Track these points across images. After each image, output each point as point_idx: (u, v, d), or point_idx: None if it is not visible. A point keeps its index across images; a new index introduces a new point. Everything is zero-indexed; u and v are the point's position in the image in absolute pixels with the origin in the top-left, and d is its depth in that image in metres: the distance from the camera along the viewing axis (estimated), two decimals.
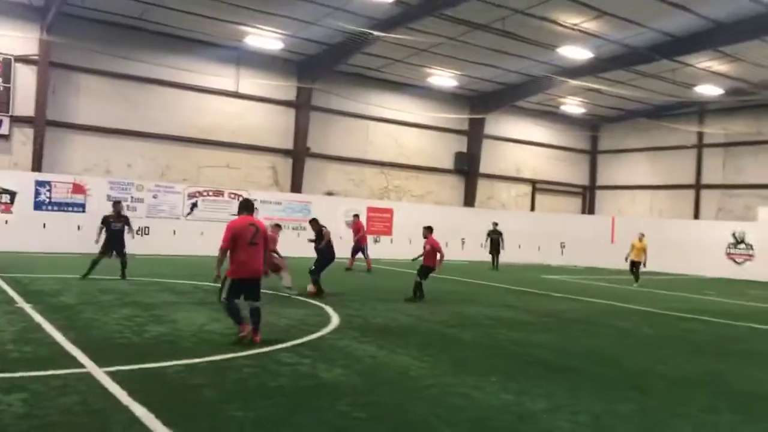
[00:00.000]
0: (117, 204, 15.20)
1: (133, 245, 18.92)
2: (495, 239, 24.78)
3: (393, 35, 22.03)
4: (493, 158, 33.07)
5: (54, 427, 4.82)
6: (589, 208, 36.72)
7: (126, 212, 16.06)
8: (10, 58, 21.17)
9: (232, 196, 24.41)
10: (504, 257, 25.22)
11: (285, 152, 26.97)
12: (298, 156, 26.93)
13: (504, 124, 33.14)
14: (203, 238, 22.87)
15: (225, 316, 8.46)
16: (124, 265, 14.29)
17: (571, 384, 7.03)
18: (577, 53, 23.50)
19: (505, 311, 12.75)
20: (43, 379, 6.04)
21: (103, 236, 14.29)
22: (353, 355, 7.91)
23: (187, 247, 21.74)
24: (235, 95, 25.66)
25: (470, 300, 14.35)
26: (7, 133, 21.32)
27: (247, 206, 8.37)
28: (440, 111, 30.57)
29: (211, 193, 24.08)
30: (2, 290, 11.54)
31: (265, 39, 23.82)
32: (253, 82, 25.80)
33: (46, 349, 7.30)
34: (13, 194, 20.40)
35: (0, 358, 6.75)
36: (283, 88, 26.56)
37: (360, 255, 20.91)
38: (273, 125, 26.69)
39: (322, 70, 26.32)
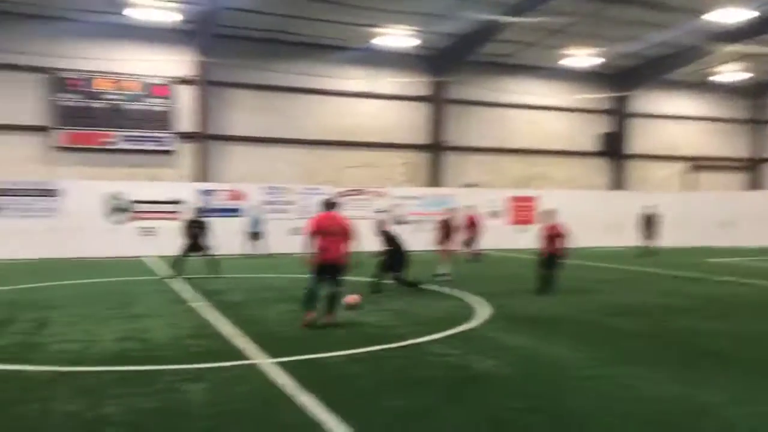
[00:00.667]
0: (197, 210, 16.56)
1: (286, 244, 20.29)
2: (650, 222, 23.35)
3: (526, 19, 21.51)
4: (643, 137, 31.21)
5: (233, 414, 5.30)
6: (755, 183, 33.54)
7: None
8: (173, 81, 23.27)
9: (374, 194, 25.10)
10: (661, 241, 23.73)
11: (422, 147, 27.27)
12: (436, 150, 27.11)
13: (652, 100, 31.15)
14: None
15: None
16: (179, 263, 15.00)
17: (750, 375, 6.53)
18: (731, 15, 21.57)
19: (666, 298, 12.05)
20: (219, 370, 6.64)
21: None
22: (504, 346, 7.89)
23: None
24: (372, 96, 26.33)
25: (627, 287, 13.71)
26: (173, 148, 23.47)
27: (329, 205, 9.47)
28: (580, 92, 29.38)
29: (353, 193, 24.93)
30: (179, 291, 12.75)
31: (398, 37, 24.23)
32: (388, 81, 26.34)
33: (219, 343, 7.99)
34: (181, 204, 22.39)
35: (183, 352, 7.50)
36: (418, 84, 26.87)
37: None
38: (409, 122, 27.09)
39: (454, 62, 26.30)
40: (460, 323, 9.26)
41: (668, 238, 24.98)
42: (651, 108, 31.28)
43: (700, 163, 32.54)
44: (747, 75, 30.28)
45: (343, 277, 9.27)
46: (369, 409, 5.43)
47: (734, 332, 8.75)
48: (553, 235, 12.62)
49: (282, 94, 25.04)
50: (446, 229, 15.92)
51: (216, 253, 15.38)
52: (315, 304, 9.02)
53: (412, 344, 7.86)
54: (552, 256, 12.65)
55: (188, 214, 16.44)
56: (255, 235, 21.35)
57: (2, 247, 19.77)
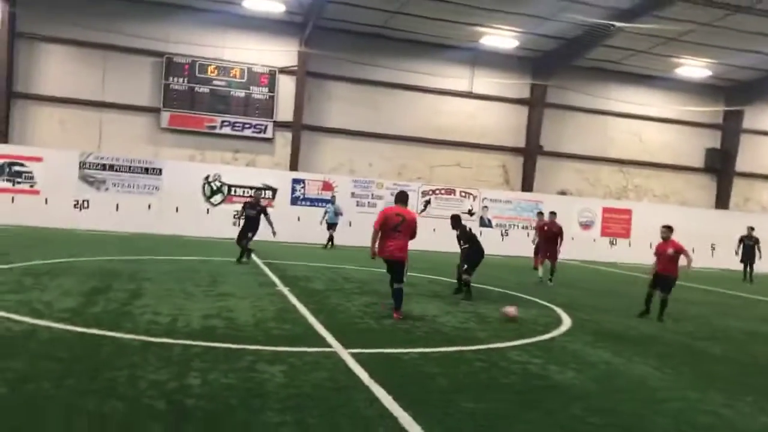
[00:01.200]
0: (257, 193, 16.92)
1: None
2: (749, 245, 21.87)
3: (638, 25, 20.67)
4: (753, 155, 29.34)
5: (307, 398, 5.39)
6: None
7: (263, 203, 16.68)
8: (275, 70, 23.99)
9: (463, 194, 24.92)
10: (761, 267, 22.24)
11: (516, 150, 26.80)
12: (530, 154, 26.56)
13: (766, 116, 29.21)
14: (435, 234, 23.68)
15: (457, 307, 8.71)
16: (244, 249, 14.88)
17: None
18: None
19: (762, 326, 11.30)
20: (298, 355, 6.78)
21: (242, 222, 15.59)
22: (586, 359, 7.63)
23: (421, 243, 22.58)
24: (470, 95, 26.11)
25: (721, 312, 12.97)
26: (271, 136, 24.20)
27: (400, 198, 9.53)
28: (689, 103, 27.95)
29: (443, 192, 24.83)
30: (265, 275, 13.15)
31: (501, 38, 23.91)
32: (487, 82, 26.03)
33: (300, 328, 8.17)
34: (274, 191, 23.10)
35: (265, 334, 7.72)
36: (517, 86, 26.41)
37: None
38: (505, 124, 26.68)
39: (557, 65, 25.67)
40: (543, 332, 9.04)
41: None
42: (764, 125, 29.35)
43: None
44: None
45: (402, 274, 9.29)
46: (442, 408, 5.39)
47: None
48: (671, 253, 11.07)
49: (380, 89, 25.26)
50: (546, 235, 15.74)
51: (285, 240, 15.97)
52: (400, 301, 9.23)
53: (491, 348, 7.74)
54: (668, 276, 11.13)
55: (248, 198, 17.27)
56: (331, 226, 21.47)
57: (106, 219, 21.09)
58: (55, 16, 21.83)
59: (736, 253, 22.26)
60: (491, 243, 24.20)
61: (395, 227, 9.14)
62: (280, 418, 4.86)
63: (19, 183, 21.00)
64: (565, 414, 5.48)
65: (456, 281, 12.32)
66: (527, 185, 26.56)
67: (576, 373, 6.90)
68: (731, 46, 23.21)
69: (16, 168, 20.96)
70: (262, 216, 14.98)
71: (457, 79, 25.83)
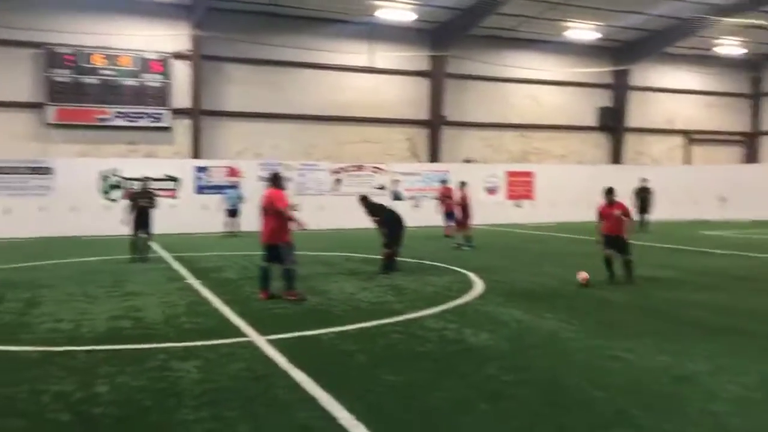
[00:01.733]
0: (144, 181, 15.09)
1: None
2: (644, 197, 23.17)
3: None
4: (641, 111, 31.00)
5: (225, 391, 5.27)
6: (751, 156, 33.41)
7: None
8: (167, 56, 22.98)
9: (374, 170, 25.00)
10: (655, 215, 23.65)
11: (421, 123, 27.07)
12: (435, 125, 26.91)
13: (652, 74, 30.88)
14: (349, 211, 23.68)
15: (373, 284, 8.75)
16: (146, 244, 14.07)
17: (736, 344, 6.55)
18: None
19: (659, 271, 12.04)
20: (213, 348, 6.62)
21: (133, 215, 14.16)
22: (499, 319, 7.87)
23: (334, 221, 22.65)
24: (370, 70, 26.02)
25: (620, 260, 13.65)
26: (169, 125, 23.26)
27: (271, 179, 9.56)
28: (581, 65, 29.10)
29: (353, 169, 24.80)
30: (173, 268, 12.72)
31: (397, 11, 23.92)
32: (386, 56, 26.02)
33: (213, 321, 7.97)
34: (177, 181, 22.30)
35: (176, 330, 7.48)
36: (417, 58, 26.58)
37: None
38: (408, 97, 26.85)
39: (454, 36, 26.01)
40: (456, 298, 9.24)
41: (664, 211, 24.91)
42: (650, 81, 31.03)
43: (697, 137, 32.40)
44: (744, 49, 30.00)
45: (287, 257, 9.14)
46: (363, 384, 5.42)
47: (723, 304, 8.74)
48: (617, 214, 10.80)
49: (279, 69, 24.75)
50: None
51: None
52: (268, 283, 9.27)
53: (408, 319, 7.84)
54: (619, 237, 10.82)
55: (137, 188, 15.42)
56: (233, 213, 20.69)
57: None
58: None
59: (634, 205, 23.53)
60: (404, 215, 24.49)
61: (265, 210, 9.18)
62: (197, 414, 4.73)
63: None
64: (481, 375, 5.63)
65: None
66: (434, 156, 26.94)
67: (490, 334, 7.11)
68: (616, 8, 24.26)
69: None
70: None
71: (357, 54, 25.67)
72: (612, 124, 30.14)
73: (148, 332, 7.33)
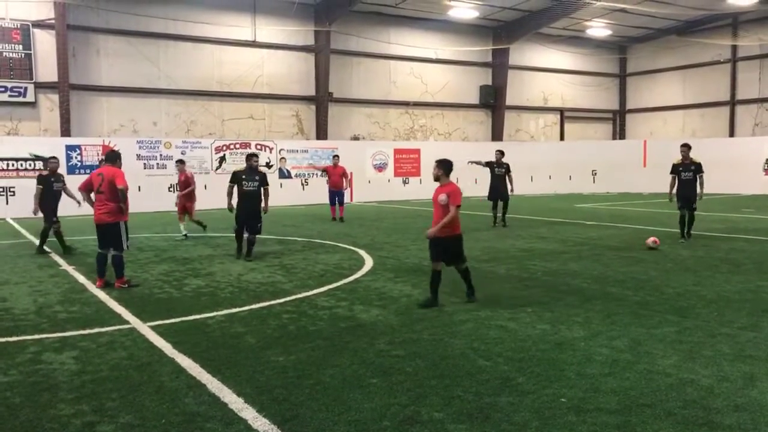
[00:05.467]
0: (53, 160, 12.58)
1: (165, 201, 19.29)
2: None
3: None
4: (519, 89, 32.37)
5: (105, 381, 5.01)
6: (620, 133, 35.92)
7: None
8: (27, 24, 21.16)
9: (259, 147, 24.47)
10: (532, 189, 24.88)
11: (308, 99, 26.76)
12: (321, 102, 26.69)
13: (529, 53, 32.25)
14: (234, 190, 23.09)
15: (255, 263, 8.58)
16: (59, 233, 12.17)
17: (609, 311, 7.03)
18: None
19: (538, 242, 12.70)
20: (91, 337, 6.26)
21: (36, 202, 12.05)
22: (389, 295, 8.00)
23: (219, 201, 21.94)
24: (253, 44, 25.35)
25: (501, 234, 14.31)
26: (33, 99, 21.52)
27: (108, 157, 9.02)
28: (463, 44, 29.85)
29: (238, 146, 24.15)
30: (47, 253, 11.87)
31: None
32: (270, 30, 25.41)
33: (91, 308, 7.53)
34: (45, 160, 20.69)
35: (49, 319, 7.00)
36: (302, 33, 26.15)
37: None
38: (294, 72, 26.42)
39: (338, 11, 25.79)
40: (347, 275, 9.29)
41: (541, 185, 26.32)
42: (527, 60, 32.39)
43: (570, 114, 34.33)
44: (611, 31, 31.99)
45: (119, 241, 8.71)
46: (252, 367, 5.32)
47: (597, 273, 9.37)
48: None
49: (156, 41, 23.53)
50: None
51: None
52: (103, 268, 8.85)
53: (298, 299, 7.79)
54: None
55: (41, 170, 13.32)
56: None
57: None
58: None
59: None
60: (292, 194, 24.27)
61: (98, 189, 8.66)
62: (74, 408, 4.46)
63: None
64: (372, 351, 5.70)
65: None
66: (322, 133, 26.76)
67: (380, 310, 7.21)
68: None
69: None
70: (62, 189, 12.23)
71: (239, 27, 24.88)
72: (492, 102, 31.24)
73: (18, 324, 6.81)
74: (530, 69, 32.67)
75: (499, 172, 16.12)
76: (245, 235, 11.12)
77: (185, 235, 13.95)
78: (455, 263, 7.54)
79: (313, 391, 4.74)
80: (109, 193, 8.57)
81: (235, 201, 11.28)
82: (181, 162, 14.94)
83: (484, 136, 31.46)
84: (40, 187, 11.89)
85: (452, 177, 7.81)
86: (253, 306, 7.48)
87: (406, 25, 28.41)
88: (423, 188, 27.04)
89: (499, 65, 31.20)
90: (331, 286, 8.52)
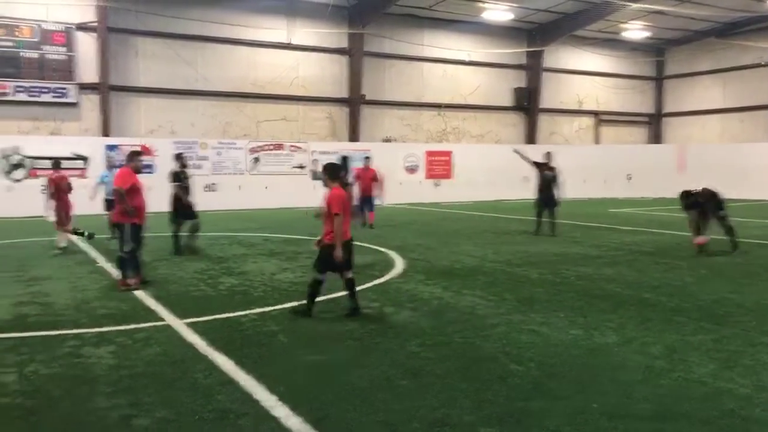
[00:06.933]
0: (180, 157, 12.59)
1: (200, 201, 19.54)
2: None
3: None
4: (554, 92, 32.06)
5: (141, 376, 5.12)
6: (655, 137, 35.31)
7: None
8: (71, 27, 21.71)
9: (293, 149, 24.71)
10: (565, 193, 24.49)
11: (341, 101, 26.92)
12: (354, 104, 26.83)
13: (563, 56, 31.92)
14: (267, 191, 23.43)
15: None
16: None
17: (643, 317, 6.93)
18: None
19: (571, 247, 12.57)
20: (128, 333, 6.40)
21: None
22: (420, 297, 8.01)
23: (253, 201, 22.29)
24: (288, 47, 25.58)
25: (535, 238, 14.18)
26: (75, 100, 22.06)
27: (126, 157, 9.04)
28: (497, 46, 29.70)
29: (271, 147, 24.42)
30: (84, 251, 12.16)
31: None
32: (304, 32, 25.63)
33: (128, 305, 7.69)
34: (86, 160, 21.23)
35: (88, 315, 7.18)
36: (336, 36, 26.31)
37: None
38: (327, 75, 26.59)
39: (372, 13, 25.90)
40: (378, 277, 9.32)
41: (574, 190, 25.91)
42: (562, 63, 32.06)
43: (605, 117, 33.88)
44: (648, 33, 31.47)
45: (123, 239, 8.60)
46: (285, 365, 5.39)
47: (631, 279, 9.22)
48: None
49: (193, 43, 23.92)
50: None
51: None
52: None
53: (328, 299, 7.83)
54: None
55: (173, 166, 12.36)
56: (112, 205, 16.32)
57: None
58: None
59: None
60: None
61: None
62: (112, 402, 4.57)
63: None
64: (403, 352, 5.72)
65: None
66: (354, 135, 26.89)
67: (411, 312, 7.22)
68: None
69: None
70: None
71: (274, 30, 25.15)
72: (526, 105, 31.00)
73: (58, 319, 7.00)
74: (565, 71, 32.33)
75: (548, 175, 14.90)
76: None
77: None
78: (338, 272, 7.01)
79: (343, 391, 4.78)
80: (115, 193, 8.74)
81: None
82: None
83: (518, 139, 31.22)
84: (177, 183, 11.85)
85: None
86: (286, 305, 7.56)
87: (439, 27, 28.38)
88: (454, 191, 27.01)
89: (533, 68, 30.95)
90: (361, 287, 8.53)
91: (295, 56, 25.86)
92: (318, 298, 7.15)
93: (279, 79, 25.52)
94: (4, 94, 20.91)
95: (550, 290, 8.48)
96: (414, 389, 4.80)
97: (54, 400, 4.63)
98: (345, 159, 16.86)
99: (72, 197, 12.34)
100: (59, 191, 11.96)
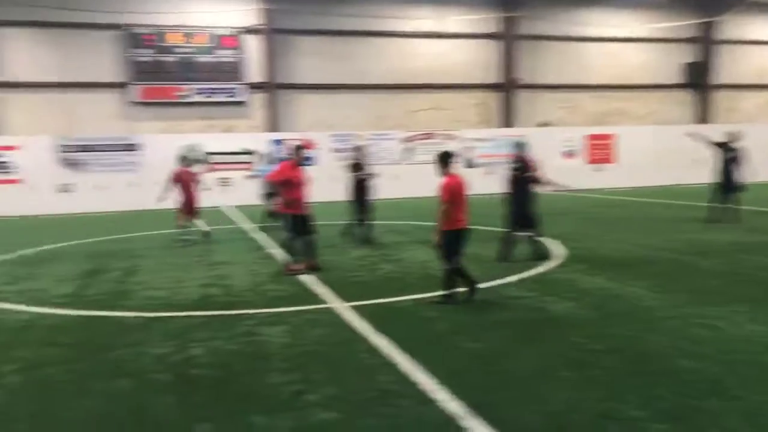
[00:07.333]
0: (359, 147, 12.87)
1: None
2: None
3: None
4: (730, 65, 29.22)
5: (311, 355, 5.47)
6: None
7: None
8: (240, 31, 23.43)
9: (445, 137, 24.81)
10: (747, 177, 22.37)
11: (493, 87, 26.55)
12: (508, 89, 26.34)
13: (741, 25, 28.98)
14: (422, 180, 23.71)
15: None
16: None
17: None
18: None
19: (752, 235, 11.47)
20: (297, 314, 6.85)
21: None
22: (582, 288, 7.75)
23: (408, 190, 22.72)
24: (440, 35, 25.67)
25: (710, 225, 13.11)
26: (244, 99, 23.82)
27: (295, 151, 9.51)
28: (662, 20, 27.65)
29: (424, 137, 24.70)
30: (253, 239, 13.12)
31: None
32: (456, 19, 25.59)
33: (296, 288, 8.22)
34: (253, 154, 22.84)
35: (262, 297, 7.77)
36: (487, 21, 25.97)
37: None
38: (479, 60, 26.34)
39: None
40: (536, 266, 9.13)
41: (762, 172, 23.52)
42: (740, 34, 29.14)
43: None
44: None
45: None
46: (444, 351, 5.48)
47: None
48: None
49: (348, 39, 24.80)
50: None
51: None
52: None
53: (487, 287, 7.82)
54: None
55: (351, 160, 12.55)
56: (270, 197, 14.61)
57: (88, 200, 20.88)
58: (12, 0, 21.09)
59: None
60: (476, 183, 24.24)
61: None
62: (286, 377, 4.94)
63: None
64: (566, 344, 5.58)
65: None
66: (508, 121, 26.43)
67: (572, 302, 7.02)
68: None
69: None
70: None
71: (425, 20, 25.36)
72: (699, 81, 28.59)
73: (236, 299, 7.65)
74: (743, 42, 29.34)
75: (730, 156, 13.59)
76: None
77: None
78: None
79: (503, 379, 4.78)
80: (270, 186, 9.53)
81: None
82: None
83: (687, 119, 28.93)
84: (357, 174, 12.19)
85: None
86: (441, 292, 7.64)
87: (597, 3, 26.98)
88: (617, 176, 25.64)
89: (705, 40, 28.44)
90: (520, 276, 8.44)
91: (447, 44, 25.88)
92: (477, 285, 7.17)
93: (431, 68, 25.70)
94: (185, 96, 23.07)
95: (726, 282, 7.83)
96: (577, 381, 4.69)
97: (235, 373, 5.09)
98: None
99: (198, 190, 13.21)
100: (183, 184, 12.92)
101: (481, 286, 7.43)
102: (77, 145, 21.23)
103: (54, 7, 21.28)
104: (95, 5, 21.79)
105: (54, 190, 20.94)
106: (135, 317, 6.92)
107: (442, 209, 6.91)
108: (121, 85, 22.54)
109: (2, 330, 6.59)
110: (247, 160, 22.40)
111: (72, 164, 21.17)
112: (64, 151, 21.11)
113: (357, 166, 12.35)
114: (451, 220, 6.93)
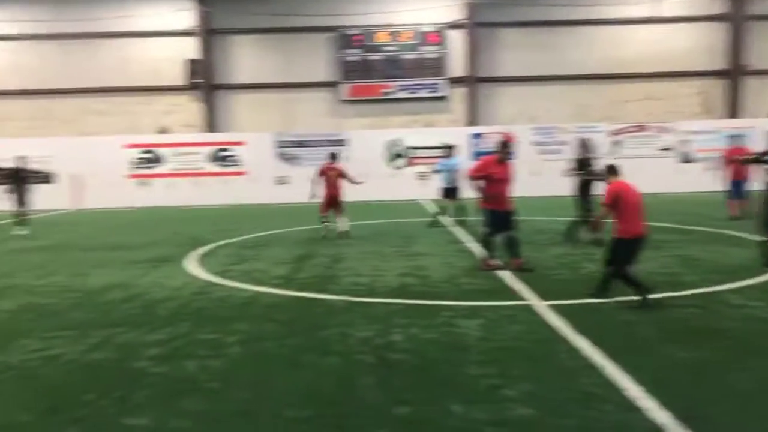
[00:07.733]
0: (585, 142, 11.86)
1: (560, 187, 19.63)
2: None
3: None
4: None
5: (508, 350, 5.44)
6: None
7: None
8: (443, 27, 23.87)
9: (658, 130, 23.08)
10: None
11: (716, 74, 24.12)
12: (734, 76, 23.75)
13: None
14: (633, 176, 22.26)
15: None
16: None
17: None
18: None
19: None
20: (494, 309, 6.84)
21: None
22: None
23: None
24: (655, 20, 23.87)
25: None
26: (445, 94, 24.23)
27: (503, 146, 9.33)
28: None
29: (634, 129, 23.19)
30: (450, 233, 13.31)
31: None
32: (673, 3, 23.60)
33: (492, 282, 8.20)
34: (452, 148, 23.11)
35: (458, 289, 7.87)
36: (709, 1, 23.63)
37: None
38: (700, 45, 24.08)
39: None
40: (763, 273, 8.17)
41: None
42: None
43: None
44: None
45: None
46: (650, 358, 5.14)
47: None
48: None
49: (554, 29, 24.10)
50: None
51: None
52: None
53: (703, 293, 7.18)
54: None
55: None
56: (450, 193, 14.84)
57: (303, 192, 22.62)
58: (240, 10, 23.58)
59: None
60: (696, 179, 22.22)
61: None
62: (483, 370, 4.96)
63: (227, 166, 23.33)
64: None
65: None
66: (733, 111, 23.84)
67: None
68: None
69: (224, 153, 23.31)
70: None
71: (639, 5, 23.72)
72: None
73: (433, 290, 7.84)
74: None
75: None
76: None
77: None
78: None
79: (720, 392, 4.37)
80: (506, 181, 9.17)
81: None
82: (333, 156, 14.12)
83: None
84: (582, 171, 11.36)
85: None
86: (654, 296, 7.15)
87: None
88: None
89: None
90: (741, 284, 7.61)
91: (662, 29, 24.02)
92: (683, 292, 6.62)
93: (642, 55, 24.05)
94: (389, 93, 24.06)
95: None
96: None
97: (432, 361, 5.23)
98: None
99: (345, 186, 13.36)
100: (328, 179, 13.17)
101: (692, 292, 6.82)
102: (292, 141, 23.20)
103: (276, 14, 23.39)
104: (312, 10, 23.55)
105: (272, 182, 23.10)
106: (341, 301, 7.39)
107: (602, 213, 7.05)
108: (331, 84, 24.15)
109: (229, 305, 7.43)
110: (446, 155, 22.78)
111: (288, 158, 23.18)
112: (281, 147, 23.19)
113: (583, 162, 11.42)
114: (622, 228, 6.75)
